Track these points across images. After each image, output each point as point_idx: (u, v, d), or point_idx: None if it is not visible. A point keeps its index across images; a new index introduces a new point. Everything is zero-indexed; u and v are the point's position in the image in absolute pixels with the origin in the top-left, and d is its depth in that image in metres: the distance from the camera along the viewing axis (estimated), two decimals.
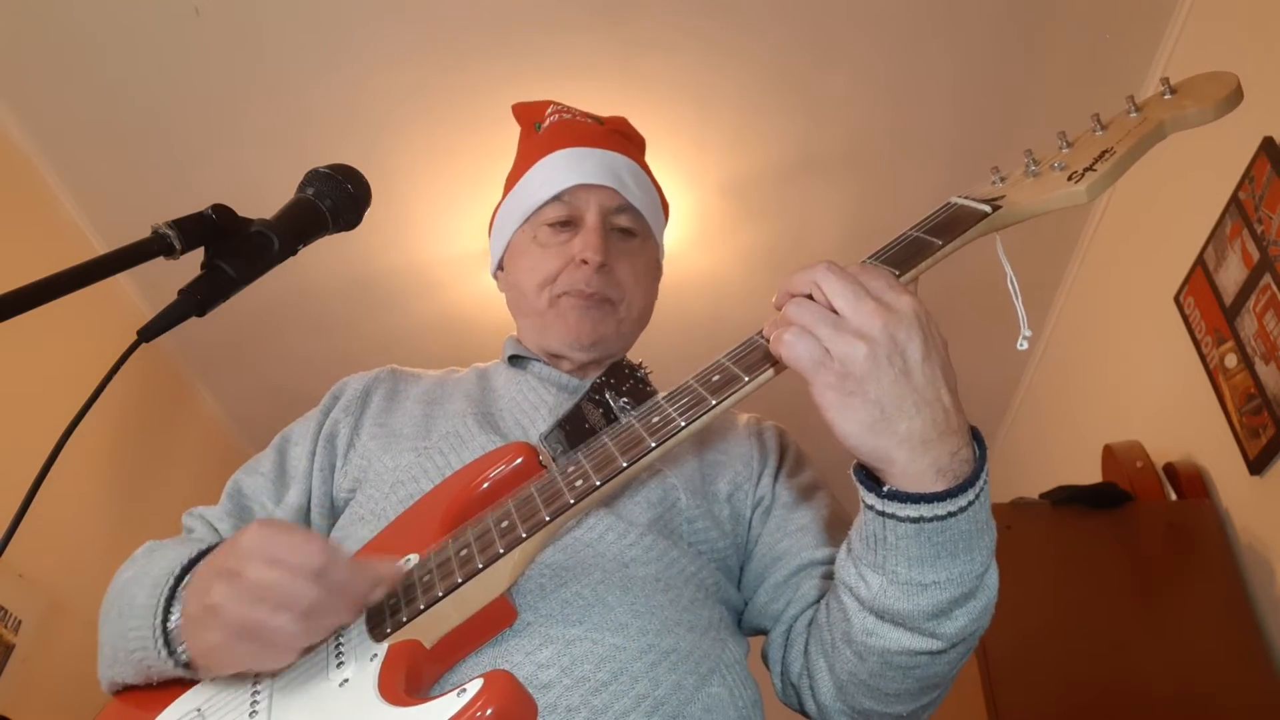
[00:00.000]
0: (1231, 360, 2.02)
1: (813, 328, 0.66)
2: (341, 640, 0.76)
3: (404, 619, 0.74)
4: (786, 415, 1.13)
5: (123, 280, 2.92)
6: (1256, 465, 1.91)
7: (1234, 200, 2.00)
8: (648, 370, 1.09)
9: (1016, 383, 3.47)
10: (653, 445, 0.72)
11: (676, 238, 2.94)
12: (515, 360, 1.11)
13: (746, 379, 0.71)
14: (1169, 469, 2.17)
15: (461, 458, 0.93)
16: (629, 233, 1.09)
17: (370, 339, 3.18)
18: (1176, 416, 2.29)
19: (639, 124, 1.23)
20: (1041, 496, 2.07)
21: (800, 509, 0.97)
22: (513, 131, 1.21)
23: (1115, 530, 1.97)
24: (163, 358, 3.25)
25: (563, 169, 1.08)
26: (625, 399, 1.00)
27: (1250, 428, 1.94)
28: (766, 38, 2.37)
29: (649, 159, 1.22)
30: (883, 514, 0.69)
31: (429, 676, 0.74)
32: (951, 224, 0.76)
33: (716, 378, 0.73)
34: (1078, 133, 0.80)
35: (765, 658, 0.93)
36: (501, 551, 0.73)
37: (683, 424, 0.71)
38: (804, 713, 0.89)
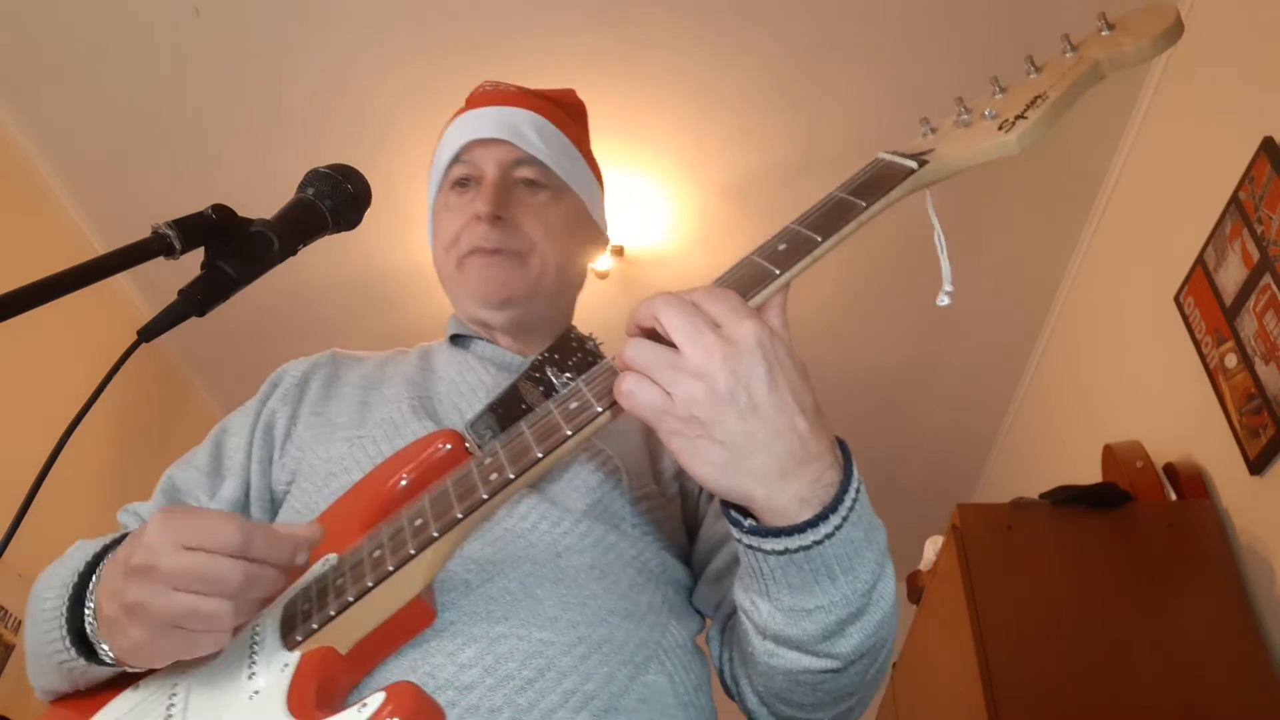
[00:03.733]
0: (1231, 360, 2.02)
1: (651, 372, 0.63)
2: (255, 648, 0.73)
3: (315, 626, 0.71)
4: None
5: (123, 280, 2.92)
6: (1256, 465, 1.91)
7: (1234, 200, 2.00)
8: (599, 341, 1.01)
9: (1016, 383, 3.47)
10: (569, 433, 0.67)
11: (677, 238, 2.94)
12: (458, 340, 1.07)
13: None
14: (1169, 469, 2.16)
15: (394, 446, 0.88)
16: (536, 185, 1.05)
17: (370, 339, 3.16)
18: (1176, 416, 2.29)
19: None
20: (1041, 496, 2.06)
21: None
22: None
23: (1115, 530, 1.97)
24: (163, 358, 3.25)
25: (462, 130, 1.06)
26: (569, 375, 0.93)
27: (1250, 428, 1.94)
28: (767, 38, 2.37)
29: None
30: (749, 548, 0.67)
31: (344, 684, 0.72)
32: (877, 183, 0.72)
33: None
34: (1011, 77, 0.75)
35: (708, 641, 0.91)
36: (413, 553, 0.70)
37: (599, 409, 0.67)
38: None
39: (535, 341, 1.04)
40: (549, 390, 0.91)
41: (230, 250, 0.72)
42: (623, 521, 0.88)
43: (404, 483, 0.81)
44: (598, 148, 1.22)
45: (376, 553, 0.72)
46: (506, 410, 0.87)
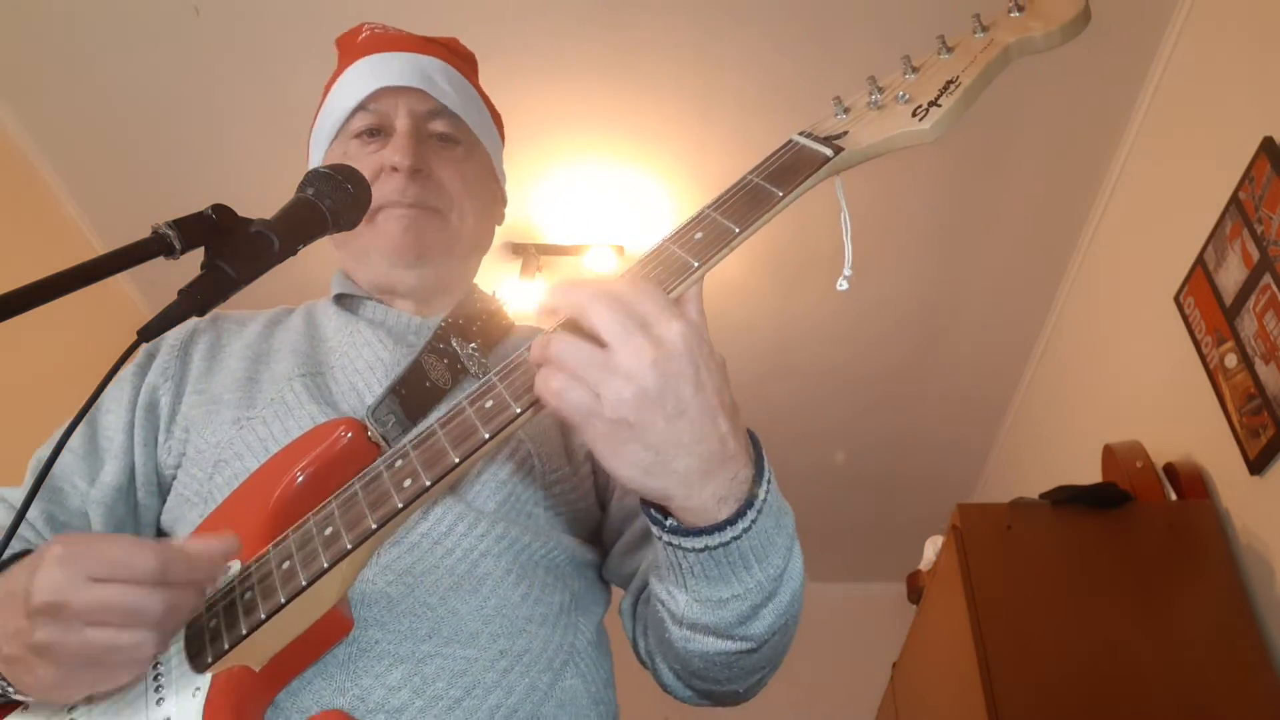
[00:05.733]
0: (1231, 360, 2.02)
1: (582, 372, 0.61)
2: (160, 673, 0.69)
3: (226, 646, 0.67)
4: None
5: (123, 280, 2.92)
6: (1256, 465, 1.91)
7: (1234, 200, 2.00)
8: (504, 302, 0.97)
9: (1016, 382, 3.47)
10: (486, 436, 0.65)
11: None
12: (344, 300, 1.01)
13: None
14: (1169, 469, 2.16)
15: (287, 429, 0.85)
16: (450, 139, 1.00)
17: None
18: (1176, 416, 2.28)
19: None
20: (1041, 496, 2.06)
21: None
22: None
23: (1115, 530, 1.97)
24: None
25: (366, 75, 0.99)
26: (475, 343, 0.89)
27: (1250, 428, 1.94)
28: (767, 38, 2.37)
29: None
30: (669, 545, 0.68)
31: (261, 701, 0.69)
32: (792, 169, 0.71)
33: None
34: (923, 57, 0.74)
35: (621, 613, 0.91)
36: (326, 566, 0.67)
37: (517, 410, 0.64)
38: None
39: (434, 304, 1.00)
40: (454, 362, 0.87)
41: (230, 250, 0.71)
42: (536, 508, 0.87)
43: (302, 479, 0.77)
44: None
45: (286, 564, 0.68)
46: (410, 390, 0.84)
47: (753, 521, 0.66)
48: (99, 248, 2.86)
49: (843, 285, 0.71)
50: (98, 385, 0.68)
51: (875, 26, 2.31)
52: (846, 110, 0.73)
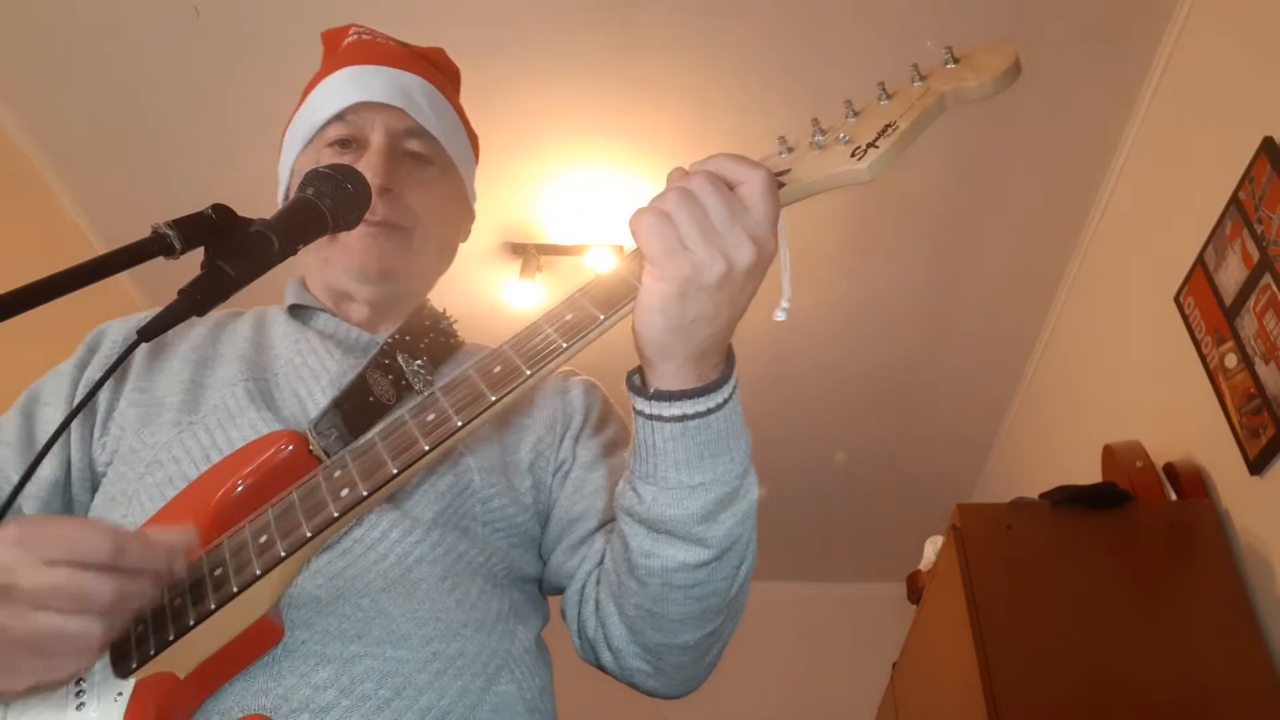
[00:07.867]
0: (1231, 360, 2.02)
1: (683, 224, 0.68)
2: (82, 677, 0.68)
3: (151, 651, 0.66)
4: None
5: (123, 280, 2.92)
6: (1256, 465, 1.91)
7: (1234, 200, 2.00)
8: (452, 319, 0.97)
9: (1017, 383, 3.47)
10: (426, 448, 0.67)
11: None
12: (297, 310, 1.00)
13: (528, 371, 0.68)
14: (1169, 469, 2.16)
15: (228, 436, 0.84)
16: (422, 159, 1.00)
17: None
18: (1176, 416, 2.28)
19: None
20: (1041, 496, 2.06)
21: (597, 470, 0.93)
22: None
23: (1115, 530, 1.97)
24: None
25: (347, 86, 0.99)
26: (421, 360, 0.91)
27: (1250, 428, 1.94)
28: (768, 37, 2.37)
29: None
30: (651, 417, 0.72)
31: (184, 709, 0.68)
32: None
33: (497, 368, 0.70)
34: (864, 101, 0.78)
35: (564, 614, 0.91)
36: (258, 573, 0.66)
37: (459, 423, 0.67)
38: (601, 666, 0.88)
39: (387, 319, 1.00)
40: (399, 378, 0.88)
41: (230, 250, 0.71)
42: (473, 523, 0.86)
43: (242, 488, 0.77)
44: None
45: (218, 571, 0.68)
46: (353, 404, 0.84)
47: (725, 399, 0.73)
48: (99, 248, 2.86)
49: (780, 316, 0.75)
50: (96, 383, 0.68)
51: (872, 28, 2.31)
52: (790, 149, 0.78)
